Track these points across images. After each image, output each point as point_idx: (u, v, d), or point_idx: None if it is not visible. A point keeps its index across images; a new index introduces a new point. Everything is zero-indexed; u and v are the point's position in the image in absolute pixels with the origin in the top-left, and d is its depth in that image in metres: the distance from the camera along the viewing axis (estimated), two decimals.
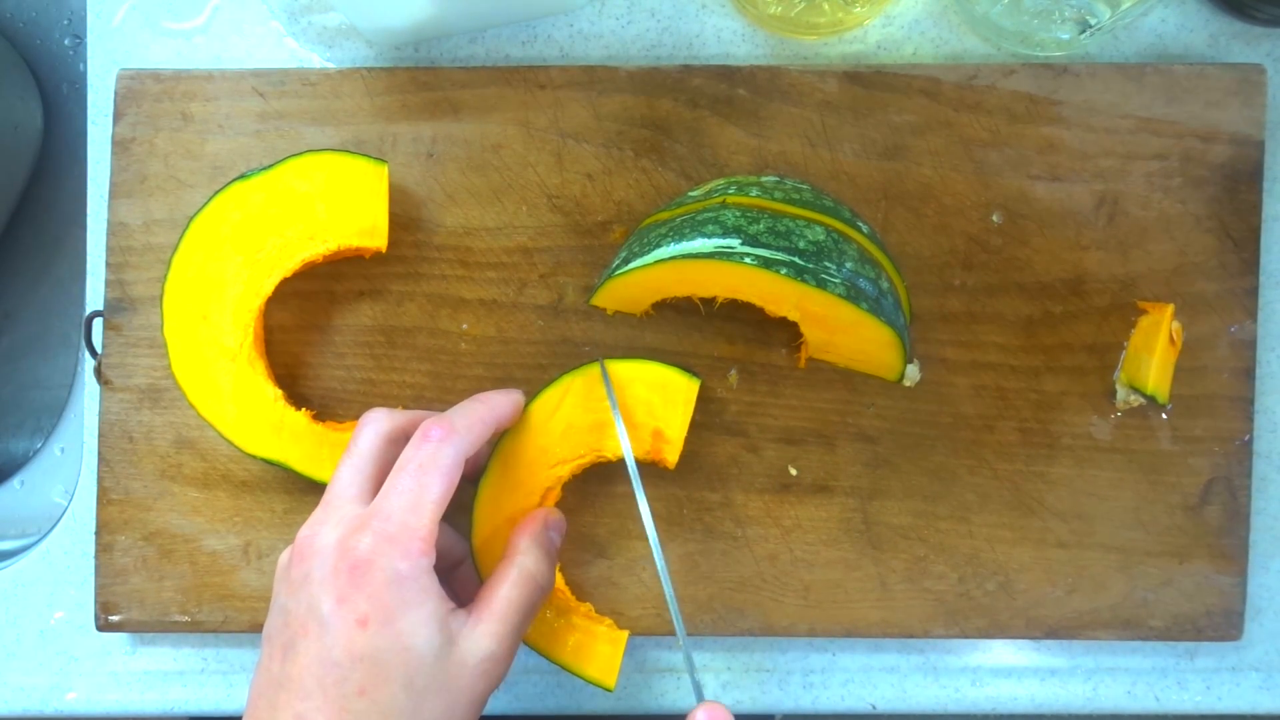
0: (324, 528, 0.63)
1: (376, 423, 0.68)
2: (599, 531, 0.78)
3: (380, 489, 0.64)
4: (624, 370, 0.74)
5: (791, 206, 0.70)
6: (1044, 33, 0.77)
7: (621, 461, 0.72)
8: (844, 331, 0.72)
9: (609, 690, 0.75)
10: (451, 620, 0.63)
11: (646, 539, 0.76)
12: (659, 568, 0.69)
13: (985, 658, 0.81)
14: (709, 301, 0.75)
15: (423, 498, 0.63)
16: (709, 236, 0.68)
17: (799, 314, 0.72)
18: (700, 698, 0.65)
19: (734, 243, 0.68)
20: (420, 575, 0.61)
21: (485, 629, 0.64)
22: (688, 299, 0.76)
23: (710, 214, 0.70)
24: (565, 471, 0.74)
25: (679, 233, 0.70)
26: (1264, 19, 0.79)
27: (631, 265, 0.71)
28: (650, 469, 0.76)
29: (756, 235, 0.68)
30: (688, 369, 0.74)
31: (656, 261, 0.69)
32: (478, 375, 0.78)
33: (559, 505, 0.76)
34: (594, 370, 0.74)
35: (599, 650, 0.75)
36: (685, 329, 0.78)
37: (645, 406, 0.74)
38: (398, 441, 0.67)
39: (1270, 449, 0.80)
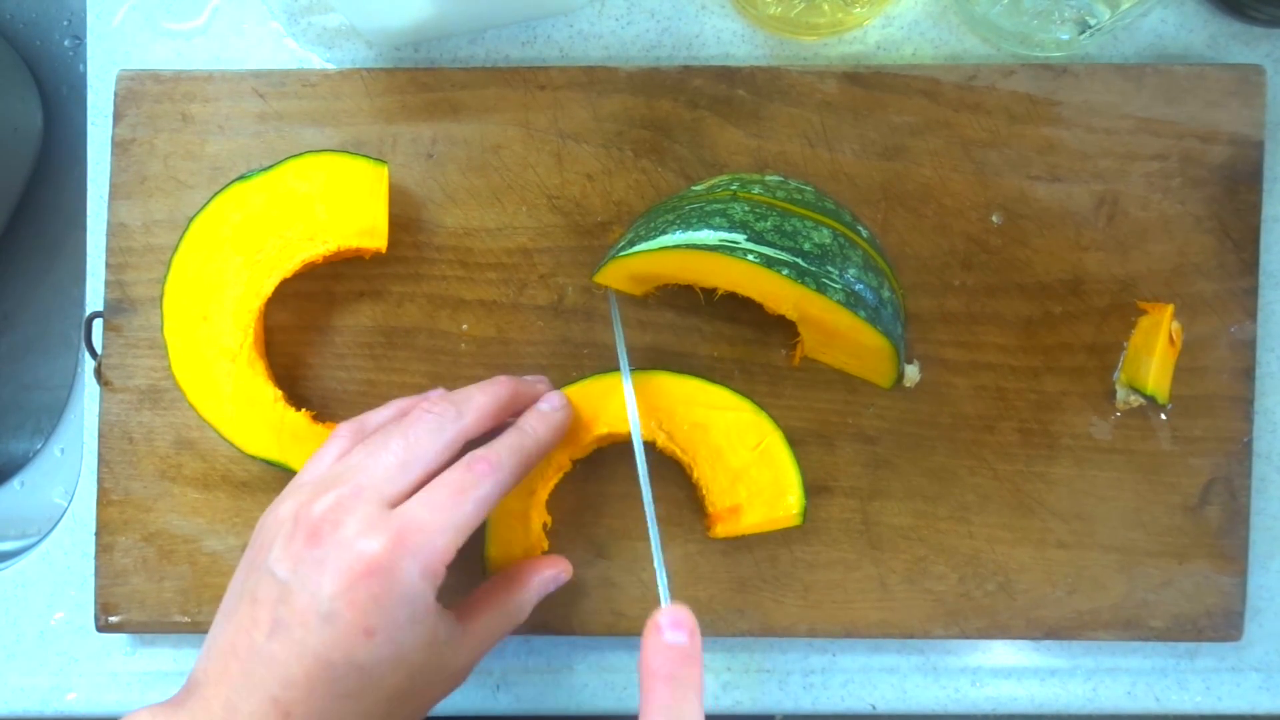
0: (351, 516, 0.60)
1: (442, 431, 0.65)
2: (599, 531, 0.78)
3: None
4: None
5: (794, 207, 0.70)
6: (1044, 33, 0.77)
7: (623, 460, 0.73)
8: (841, 336, 0.72)
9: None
10: (440, 627, 0.62)
11: (648, 539, 0.77)
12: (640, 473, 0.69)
13: (985, 658, 0.81)
14: (710, 293, 0.75)
15: (455, 520, 0.61)
16: (715, 229, 0.68)
17: (797, 314, 0.72)
18: (667, 599, 0.64)
19: (739, 238, 0.68)
20: (431, 593, 0.60)
21: (468, 644, 0.65)
22: (689, 289, 0.76)
23: (719, 205, 0.70)
24: (579, 453, 0.76)
25: (686, 221, 0.70)
26: (1263, 19, 0.79)
27: (636, 249, 0.71)
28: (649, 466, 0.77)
29: (762, 232, 0.68)
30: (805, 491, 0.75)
31: (661, 248, 0.70)
32: (478, 376, 0.77)
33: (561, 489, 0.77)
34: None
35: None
36: (685, 330, 0.78)
37: (748, 473, 0.75)
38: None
39: (1270, 449, 0.80)
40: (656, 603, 0.71)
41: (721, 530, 0.75)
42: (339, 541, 0.59)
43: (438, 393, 0.67)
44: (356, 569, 0.58)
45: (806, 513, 0.74)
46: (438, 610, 0.62)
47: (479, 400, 0.67)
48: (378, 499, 0.61)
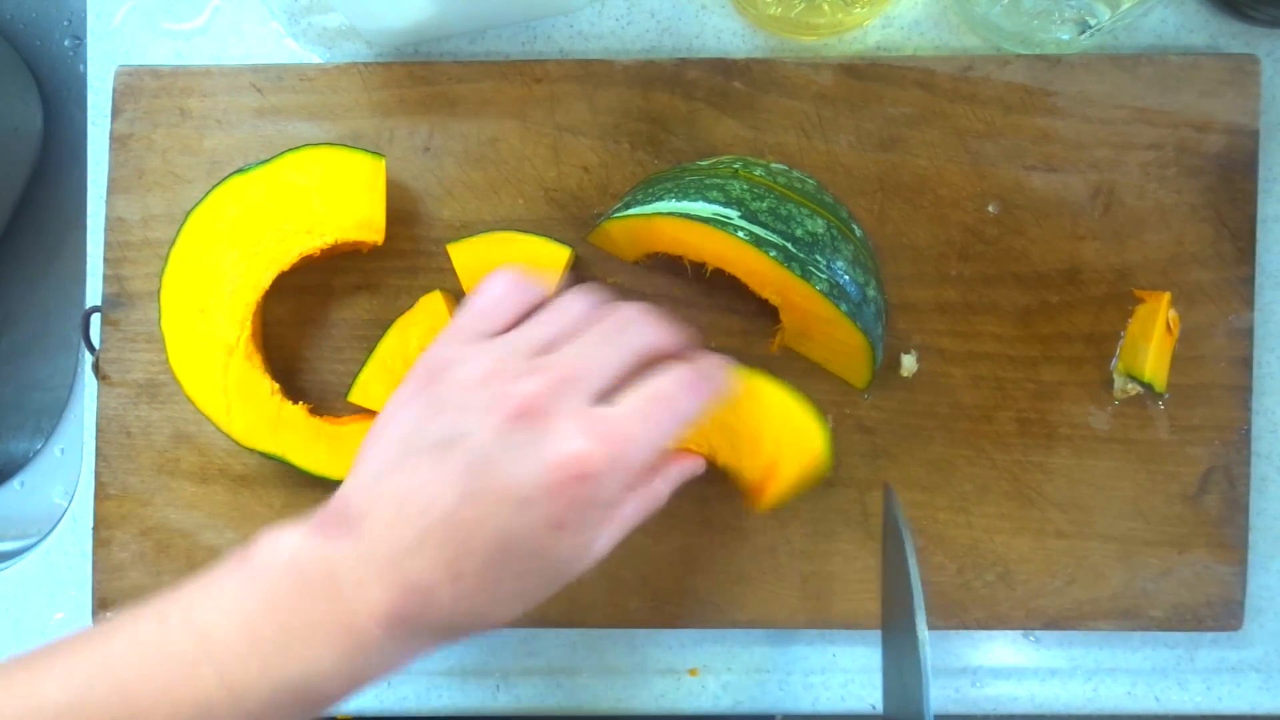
0: (562, 409, 0.58)
1: (642, 336, 0.63)
2: None
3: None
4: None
5: (792, 194, 0.70)
6: (1044, 33, 0.78)
7: None
8: (820, 328, 0.72)
9: None
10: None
11: (647, 531, 0.76)
12: None
13: (985, 658, 0.81)
14: (699, 269, 0.75)
15: (659, 437, 0.59)
16: (710, 202, 0.69)
17: (779, 299, 0.72)
18: None
19: (732, 214, 0.68)
20: (616, 498, 0.60)
21: (613, 531, 0.62)
22: (684, 275, 0.77)
23: (718, 180, 0.70)
24: None
25: (683, 191, 0.70)
26: (1263, 20, 0.79)
27: (630, 211, 0.71)
28: None
29: (756, 212, 0.68)
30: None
31: (654, 214, 0.70)
32: None
33: None
34: None
35: None
36: (683, 321, 0.77)
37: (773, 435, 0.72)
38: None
39: (1269, 449, 0.80)
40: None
41: (768, 495, 0.72)
42: (552, 433, 0.57)
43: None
44: (569, 469, 0.56)
45: (831, 450, 0.72)
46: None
47: (656, 330, 0.65)
48: (585, 393, 0.59)
